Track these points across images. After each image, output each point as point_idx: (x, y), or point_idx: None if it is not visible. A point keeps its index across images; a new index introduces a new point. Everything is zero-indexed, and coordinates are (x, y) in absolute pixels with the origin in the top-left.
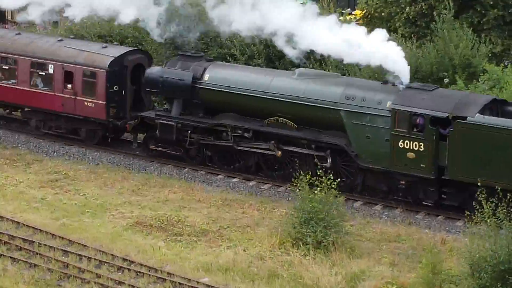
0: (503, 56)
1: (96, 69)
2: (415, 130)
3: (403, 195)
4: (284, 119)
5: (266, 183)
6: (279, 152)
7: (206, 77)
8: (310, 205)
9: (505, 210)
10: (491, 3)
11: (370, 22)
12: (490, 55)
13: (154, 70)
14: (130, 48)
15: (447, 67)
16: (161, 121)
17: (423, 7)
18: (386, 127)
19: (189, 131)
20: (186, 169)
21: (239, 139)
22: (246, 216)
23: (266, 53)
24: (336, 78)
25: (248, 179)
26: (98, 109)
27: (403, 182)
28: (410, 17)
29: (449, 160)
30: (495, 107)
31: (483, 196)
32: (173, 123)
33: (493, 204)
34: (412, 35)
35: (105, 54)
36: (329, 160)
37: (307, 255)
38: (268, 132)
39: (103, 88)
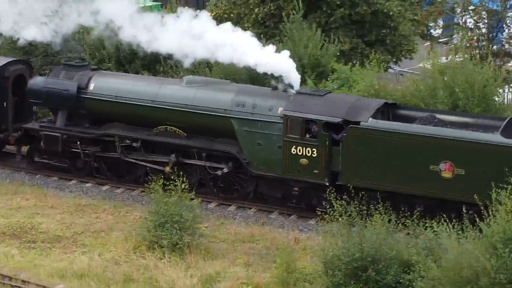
0: (352, 55)
1: None
2: (307, 136)
3: (296, 202)
4: (173, 128)
5: (119, 187)
6: (168, 168)
7: (91, 86)
8: (165, 208)
9: (357, 208)
10: (338, 2)
11: (219, 24)
12: (338, 54)
13: (37, 81)
14: (11, 59)
15: (297, 67)
16: (45, 132)
17: (272, 8)
18: (278, 134)
19: (78, 142)
20: (38, 175)
21: (127, 150)
22: (100, 221)
23: (116, 57)
24: (226, 85)
25: (101, 183)
26: None
27: (297, 188)
28: (259, 18)
29: (343, 166)
30: (386, 110)
31: (332, 195)
32: (58, 134)
33: (345, 202)
34: (262, 36)
35: None
36: (224, 170)
37: (162, 258)
38: (157, 141)
39: None
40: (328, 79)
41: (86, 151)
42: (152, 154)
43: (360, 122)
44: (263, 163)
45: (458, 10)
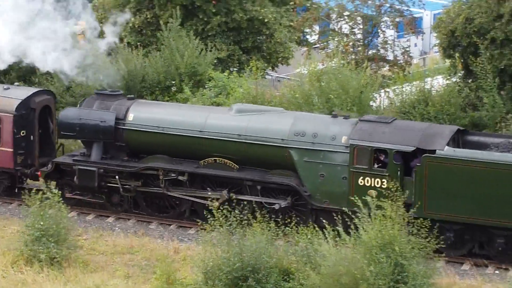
0: (229, 62)
1: (0, 113)
2: (376, 166)
3: None
4: (223, 160)
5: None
6: (216, 204)
7: (130, 117)
8: (41, 222)
9: (238, 217)
10: (214, 10)
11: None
12: (216, 61)
13: (70, 112)
14: (36, 89)
15: (174, 76)
16: (80, 166)
17: (148, 16)
18: (343, 164)
19: (117, 177)
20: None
21: (172, 184)
22: None
23: None
24: (280, 113)
25: None
26: (4, 157)
27: None
28: (136, 26)
29: (416, 197)
30: (456, 137)
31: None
32: (94, 168)
33: (226, 211)
34: (139, 44)
35: (11, 97)
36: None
37: (41, 273)
38: (206, 174)
39: (9, 134)
40: (206, 87)
41: (126, 186)
42: (201, 189)
43: (435, 150)
44: (327, 196)
45: (334, 16)
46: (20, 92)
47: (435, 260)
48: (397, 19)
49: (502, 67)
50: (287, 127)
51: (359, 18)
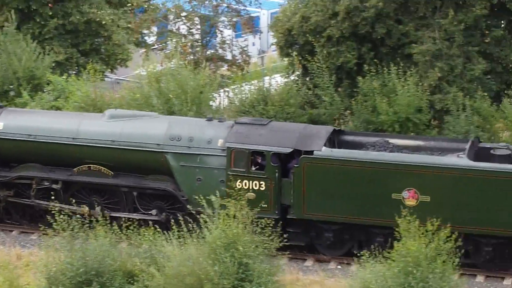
0: (67, 65)
1: None
2: (253, 168)
3: None
4: (97, 166)
5: None
6: (85, 209)
7: (0, 125)
8: None
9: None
10: (51, 13)
11: None
12: (54, 65)
13: None
14: None
15: (12, 80)
16: None
17: None
18: (220, 167)
19: None
20: None
21: (45, 193)
22: None
23: None
24: (154, 117)
25: None
26: None
27: None
28: None
29: (295, 198)
30: (332, 137)
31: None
32: None
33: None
34: None
35: None
36: (154, 212)
37: None
38: (81, 181)
39: None
40: (44, 91)
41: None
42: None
43: (313, 151)
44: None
45: (171, 17)
46: None
47: (279, 258)
48: (234, 19)
49: (339, 64)
50: (162, 131)
51: (196, 18)
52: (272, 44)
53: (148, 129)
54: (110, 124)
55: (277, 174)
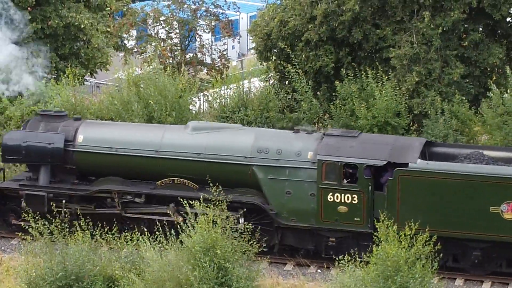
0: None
1: None
2: (345, 181)
3: (334, 253)
4: (182, 180)
5: None
6: (180, 217)
7: (80, 138)
8: None
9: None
10: (30, 17)
11: None
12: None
13: (14, 135)
14: None
15: None
16: (27, 191)
17: None
18: (310, 180)
19: (64, 201)
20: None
21: (128, 205)
22: None
23: None
24: (240, 129)
25: None
26: None
27: (333, 239)
28: None
29: (388, 212)
30: (423, 149)
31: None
32: (43, 193)
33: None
34: None
35: None
36: (242, 221)
37: None
38: (165, 195)
39: None
40: (24, 95)
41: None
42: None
43: (408, 164)
44: (294, 213)
45: (150, 21)
46: None
47: (258, 262)
48: (213, 23)
49: (317, 68)
50: (249, 144)
51: (175, 22)
52: (251, 49)
53: (234, 141)
54: (195, 136)
55: (370, 187)
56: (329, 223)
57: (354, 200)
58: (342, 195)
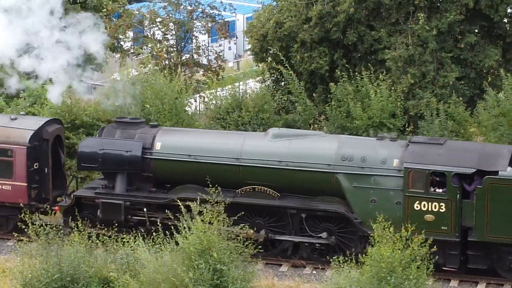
0: None
1: (13, 146)
2: (432, 189)
3: None
4: (262, 188)
5: None
6: (251, 231)
7: (158, 145)
8: None
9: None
10: None
11: None
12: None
13: (91, 142)
14: (47, 118)
15: None
16: (104, 200)
17: None
18: (396, 188)
19: (144, 209)
20: None
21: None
22: None
23: None
24: (323, 136)
25: None
26: (18, 192)
27: None
28: None
29: (476, 220)
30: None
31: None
32: (120, 201)
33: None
34: None
35: (22, 128)
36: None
37: None
38: (246, 203)
39: (23, 167)
40: (20, 96)
41: (153, 218)
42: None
43: (498, 171)
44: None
45: (146, 22)
46: (30, 122)
47: (254, 264)
48: (210, 24)
49: (312, 69)
50: (333, 151)
51: (171, 24)
52: (247, 50)
53: (317, 148)
54: (276, 143)
55: (458, 195)
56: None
57: (442, 209)
58: (430, 203)
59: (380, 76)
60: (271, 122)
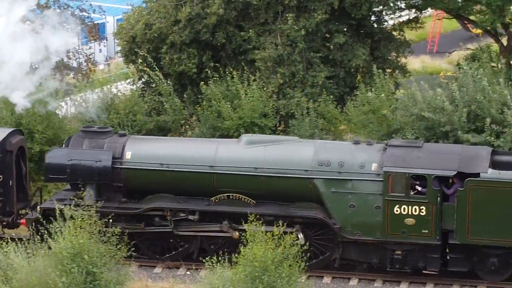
0: None
1: None
2: (412, 193)
3: (400, 266)
4: (238, 195)
5: None
6: (236, 233)
7: (128, 155)
8: None
9: None
10: None
11: None
12: None
13: (58, 153)
14: (10, 129)
15: None
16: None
17: None
18: (375, 193)
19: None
20: None
21: (179, 223)
22: None
23: None
24: (298, 142)
25: None
26: None
27: (399, 252)
28: None
29: (458, 223)
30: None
31: None
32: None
33: None
34: None
35: None
36: (300, 236)
37: None
38: (221, 212)
39: None
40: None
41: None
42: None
43: (479, 173)
44: (359, 227)
45: None
46: None
47: (127, 266)
48: (79, 27)
49: (181, 71)
50: (310, 156)
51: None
52: (117, 52)
53: (294, 154)
54: (250, 150)
55: (439, 198)
56: (395, 236)
57: (422, 212)
58: (410, 207)
59: (250, 76)
60: (142, 124)
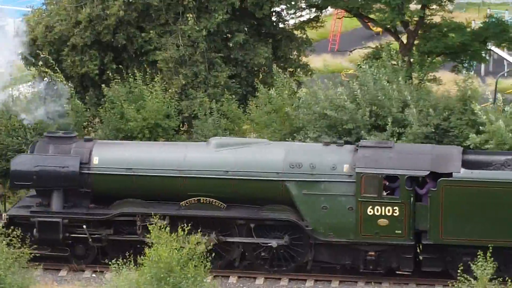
0: None
1: None
2: (385, 193)
3: (374, 268)
4: (208, 199)
5: None
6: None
7: (95, 160)
8: None
9: None
10: None
11: None
12: None
13: (24, 159)
14: None
15: None
16: (40, 218)
17: None
18: (347, 194)
19: (84, 226)
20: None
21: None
22: None
23: None
24: (267, 144)
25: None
26: None
27: (373, 253)
28: None
29: (431, 223)
30: None
31: None
32: (58, 219)
33: None
34: None
35: None
36: (274, 241)
37: None
38: (192, 216)
39: None
40: None
41: (96, 236)
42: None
43: (452, 173)
44: (332, 229)
45: None
46: None
47: (32, 269)
48: None
49: (83, 72)
50: (280, 159)
51: None
52: (19, 54)
53: (264, 157)
54: (220, 153)
55: (412, 199)
56: (368, 237)
57: (395, 213)
58: (383, 207)
59: (154, 77)
60: (45, 127)
